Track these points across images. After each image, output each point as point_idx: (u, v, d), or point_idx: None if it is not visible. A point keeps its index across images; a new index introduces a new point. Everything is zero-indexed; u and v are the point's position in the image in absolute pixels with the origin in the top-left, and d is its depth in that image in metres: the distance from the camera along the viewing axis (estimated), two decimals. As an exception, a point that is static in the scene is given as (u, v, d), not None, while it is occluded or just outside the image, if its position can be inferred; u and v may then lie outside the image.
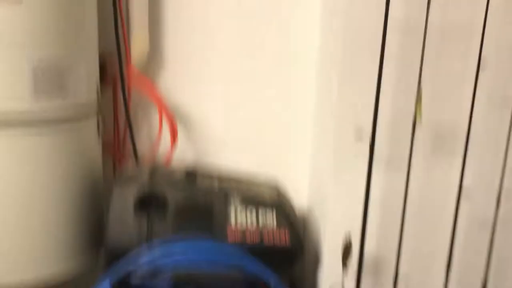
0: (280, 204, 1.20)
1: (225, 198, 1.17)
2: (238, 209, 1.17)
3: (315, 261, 1.31)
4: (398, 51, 1.13)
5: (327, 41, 1.29)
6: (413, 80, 1.13)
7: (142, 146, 1.45)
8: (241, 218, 1.16)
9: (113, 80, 1.33)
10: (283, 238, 1.17)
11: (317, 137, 1.39)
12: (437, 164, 1.20)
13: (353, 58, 1.14)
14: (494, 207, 1.18)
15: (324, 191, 1.27)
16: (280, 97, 1.43)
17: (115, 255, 1.10)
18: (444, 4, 1.10)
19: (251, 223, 1.16)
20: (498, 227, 1.18)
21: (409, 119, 1.14)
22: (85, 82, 1.16)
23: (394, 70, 1.14)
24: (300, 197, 1.47)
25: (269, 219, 1.17)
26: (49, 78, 1.07)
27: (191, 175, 1.27)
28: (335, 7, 1.20)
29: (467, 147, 1.10)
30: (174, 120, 1.36)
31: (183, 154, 1.47)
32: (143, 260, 1.06)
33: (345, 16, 1.11)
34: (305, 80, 1.40)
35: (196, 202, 1.17)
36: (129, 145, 1.39)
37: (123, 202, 1.15)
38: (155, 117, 1.41)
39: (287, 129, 1.46)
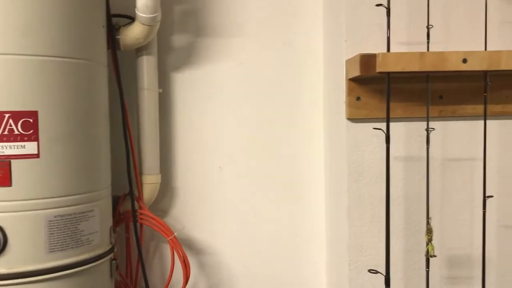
0: None
1: None
2: None
3: None
4: (403, 184, 1.16)
5: (333, 173, 1.32)
6: (422, 212, 1.15)
7: (154, 281, 1.44)
8: None
9: (125, 218, 1.35)
10: None
11: (332, 268, 1.37)
12: (456, 293, 1.18)
13: (359, 193, 1.16)
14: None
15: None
16: (292, 225, 1.44)
17: None
18: (442, 141, 1.16)
19: None
20: None
21: (422, 251, 1.14)
22: (99, 226, 1.18)
23: (402, 202, 1.17)
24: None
25: None
26: (64, 231, 1.09)
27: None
28: (335, 140, 1.25)
29: (485, 274, 1.09)
30: (186, 255, 1.36)
31: (196, 285, 1.45)
32: None
33: (348, 156, 1.16)
34: (316, 207, 1.42)
35: None
36: (142, 282, 1.38)
37: None
38: (168, 252, 1.42)
39: (301, 256, 1.45)
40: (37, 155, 1.06)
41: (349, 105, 1.15)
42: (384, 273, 1.04)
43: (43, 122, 1.06)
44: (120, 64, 1.27)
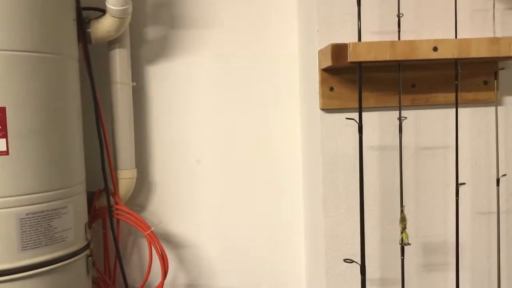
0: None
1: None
2: None
3: None
4: (378, 173, 1.17)
5: (309, 164, 1.33)
6: (396, 200, 1.15)
7: (133, 275, 1.43)
8: None
9: (102, 214, 1.34)
10: None
11: (310, 257, 1.38)
12: (432, 279, 1.19)
13: (334, 183, 1.17)
14: (495, 319, 1.15)
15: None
16: (271, 218, 1.44)
17: None
18: (415, 130, 1.16)
19: None
20: None
21: (397, 239, 1.15)
22: (73, 223, 1.16)
23: (377, 191, 1.17)
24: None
25: None
26: (37, 229, 1.07)
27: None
28: (310, 131, 1.25)
29: (459, 260, 1.10)
30: (163, 250, 1.35)
31: (175, 279, 1.45)
32: None
33: (322, 146, 1.16)
34: (294, 201, 1.43)
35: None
36: (120, 278, 1.37)
37: None
38: (146, 247, 1.42)
39: (279, 250, 1.45)
40: (6, 152, 1.04)
41: (323, 95, 1.15)
42: (359, 262, 1.05)
43: (11, 118, 1.04)
44: (91, 57, 1.25)
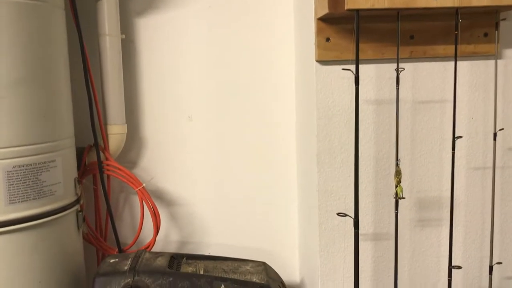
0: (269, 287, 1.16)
1: (212, 288, 1.14)
2: (225, 303, 1.13)
3: None
4: (373, 128, 1.15)
5: (303, 119, 1.30)
6: (391, 155, 1.14)
7: (125, 233, 1.42)
8: (228, 311, 1.12)
9: (92, 170, 1.32)
10: (274, 324, 1.12)
11: (303, 212, 1.37)
12: (425, 235, 1.19)
13: (329, 138, 1.15)
14: (487, 274, 1.15)
15: (314, 269, 1.24)
16: (264, 175, 1.42)
17: None
18: (413, 83, 1.14)
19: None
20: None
21: (391, 194, 1.14)
22: (62, 177, 1.14)
23: (372, 146, 1.15)
24: (291, 272, 1.44)
25: (259, 307, 1.13)
26: (24, 182, 1.05)
27: (176, 260, 1.24)
28: (305, 83, 1.22)
29: (453, 216, 1.09)
30: (155, 206, 1.33)
31: (167, 236, 1.44)
32: None
33: (317, 99, 1.14)
34: (288, 157, 1.41)
35: (181, 292, 1.13)
36: (111, 235, 1.36)
37: (106, 295, 1.11)
38: (137, 204, 1.40)
39: (271, 206, 1.44)
40: (-10, 103, 1.01)
41: (319, 46, 1.11)
42: (353, 216, 1.04)
43: (-5, 68, 1.01)
44: (78, 8, 1.20)
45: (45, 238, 1.10)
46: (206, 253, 1.43)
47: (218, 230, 1.44)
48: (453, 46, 1.07)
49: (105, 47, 1.28)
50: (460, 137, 1.07)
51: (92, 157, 1.32)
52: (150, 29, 1.37)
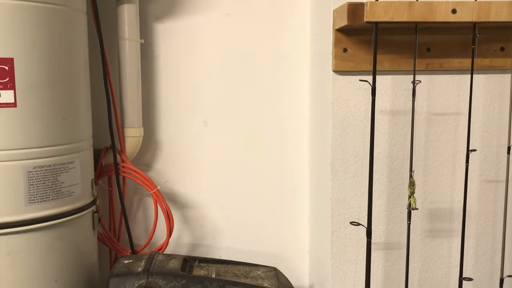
0: (280, 293, 1.18)
1: (224, 293, 1.15)
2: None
3: None
4: (388, 138, 1.16)
5: (318, 127, 1.31)
6: (405, 166, 1.15)
7: (138, 234, 1.44)
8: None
9: (108, 171, 1.34)
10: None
11: (315, 219, 1.39)
12: (436, 246, 1.20)
13: (343, 148, 1.16)
14: (497, 287, 1.16)
15: (324, 276, 1.25)
16: (277, 180, 1.44)
17: None
18: (428, 95, 1.14)
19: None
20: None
21: (404, 205, 1.15)
22: (80, 178, 1.16)
23: (386, 156, 1.16)
24: (301, 278, 1.45)
25: (270, 312, 1.14)
26: (44, 183, 1.07)
27: (188, 263, 1.26)
28: (321, 93, 1.23)
29: (465, 227, 1.10)
30: (169, 208, 1.35)
31: (180, 239, 1.46)
32: None
33: (333, 109, 1.15)
34: (300, 163, 1.42)
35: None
36: (125, 236, 1.38)
37: (119, 297, 1.13)
38: (151, 206, 1.42)
39: (284, 210, 1.45)
40: (13, 104, 1.03)
41: (336, 56, 1.12)
42: (366, 225, 1.05)
43: (19, 70, 1.02)
44: (100, 12, 1.22)
45: (61, 238, 1.13)
46: (217, 256, 1.45)
47: (229, 233, 1.46)
48: (469, 60, 1.07)
49: (125, 51, 1.30)
50: (474, 150, 1.08)
51: (108, 159, 1.34)
52: (168, 34, 1.39)
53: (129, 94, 1.33)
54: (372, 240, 1.16)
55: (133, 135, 1.34)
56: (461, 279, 1.10)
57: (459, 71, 1.15)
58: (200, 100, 1.42)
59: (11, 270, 1.06)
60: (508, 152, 1.12)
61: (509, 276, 1.16)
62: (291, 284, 1.30)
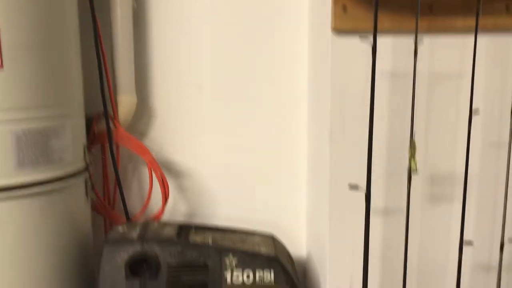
0: (277, 259, 1.16)
1: (220, 258, 1.13)
2: (234, 272, 1.13)
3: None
4: (388, 102, 1.13)
5: (316, 92, 1.28)
6: (406, 130, 1.12)
7: (133, 202, 1.42)
8: (237, 281, 1.12)
9: (101, 139, 1.31)
10: (282, 296, 1.12)
11: (313, 186, 1.36)
12: (436, 211, 1.18)
13: (343, 112, 1.13)
14: (498, 251, 1.14)
15: (322, 244, 1.24)
16: (274, 147, 1.41)
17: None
18: (430, 56, 1.11)
19: (249, 284, 1.12)
20: (503, 273, 1.14)
21: (404, 170, 1.12)
22: (71, 144, 1.13)
23: (386, 121, 1.14)
24: (298, 246, 1.44)
25: (267, 277, 1.12)
26: (34, 147, 1.04)
27: (184, 230, 1.24)
28: (320, 55, 1.20)
29: (466, 193, 1.08)
30: (164, 176, 1.33)
31: (175, 208, 1.44)
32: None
33: (332, 72, 1.11)
34: (298, 129, 1.39)
35: (190, 262, 1.13)
36: (120, 204, 1.35)
37: (113, 264, 1.10)
38: (146, 174, 1.39)
39: (281, 178, 1.43)
40: (0, 65, 1.00)
41: (335, 15, 1.08)
42: (365, 190, 1.03)
43: (5, 30, 0.98)
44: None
45: (53, 204, 1.10)
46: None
47: (226, 202, 1.44)
48: (473, 19, 1.04)
49: (116, 15, 1.26)
50: (477, 110, 1.05)
51: (101, 126, 1.30)
52: (162, -3, 1.35)
53: (121, 59, 1.29)
54: (371, 206, 1.13)
55: (126, 101, 1.30)
56: (462, 243, 1.09)
57: (462, 31, 1.11)
58: (194, 65, 1.38)
59: (1, 236, 1.03)
60: None
61: (510, 240, 1.14)
62: (288, 250, 1.29)
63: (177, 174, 1.42)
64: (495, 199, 1.18)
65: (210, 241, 1.21)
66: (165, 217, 1.40)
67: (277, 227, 1.41)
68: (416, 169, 1.02)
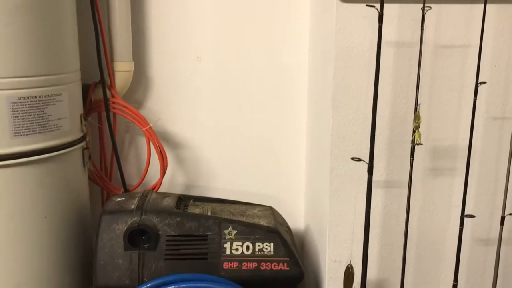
0: (277, 231, 1.15)
1: (219, 229, 1.12)
2: (234, 243, 1.12)
3: (316, 287, 1.26)
4: (393, 72, 1.11)
5: (319, 59, 1.25)
6: (410, 100, 1.10)
7: (131, 173, 1.40)
8: (236, 252, 1.11)
9: (97, 107, 1.28)
10: (281, 267, 1.12)
11: (313, 157, 1.35)
12: (438, 183, 1.17)
13: (345, 80, 1.10)
14: (496, 225, 1.14)
15: (321, 216, 1.23)
16: (273, 118, 1.39)
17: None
18: (436, 26, 1.08)
19: (248, 255, 1.11)
20: (502, 246, 1.14)
21: (406, 142, 1.11)
22: (68, 112, 1.10)
23: (389, 91, 1.12)
24: (296, 218, 1.43)
25: (266, 249, 1.12)
26: (29, 114, 1.01)
27: (183, 202, 1.23)
28: (323, 22, 1.17)
29: (469, 165, 1.07)
30: (162, 147, 1.31)
31: (173, 179, 1.43)
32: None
33: (336, 39, 1.08)
34: (298, 101, 1.37)
35: (189, 233, 1.12)
36: (117, 174, 1.34)
37: (112, 234, 1.09)
38: (144, 145, 1.37)
39: (280, 150, 1.42)
40: (-7, 29, 0.96)
41: (340, -19, 1.05)
42: (367, 161, 1.01)
43: (-3, -8, 0.95)
44: None
45: (50, 174, 1.08)
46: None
47: (225, 174, 1.42)
48: (481, -14, 1.01)
49: (113, -20, 1.22)
50: (484, 82, 1.03)
51: (98, 95, 1.28)
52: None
53: (118, 27, 1.25)
54: (373, 178, 1.12)
55: (123, 69, 1.27)
56: (463, 216, 1.08)
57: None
58: (193, 35, 1.34)
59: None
60: (517, 87, 1.08)
61: (510, 214, 1.14)
62: (287, 222, 1.28)
63: (175, 145, 1.40)
64: (497, 173, 1.17)
65: (209, 213, 1.20)
66: (163, 189, 1.39)
67: (275, 200, 1.40)
68: (420, 141, 1.00)
